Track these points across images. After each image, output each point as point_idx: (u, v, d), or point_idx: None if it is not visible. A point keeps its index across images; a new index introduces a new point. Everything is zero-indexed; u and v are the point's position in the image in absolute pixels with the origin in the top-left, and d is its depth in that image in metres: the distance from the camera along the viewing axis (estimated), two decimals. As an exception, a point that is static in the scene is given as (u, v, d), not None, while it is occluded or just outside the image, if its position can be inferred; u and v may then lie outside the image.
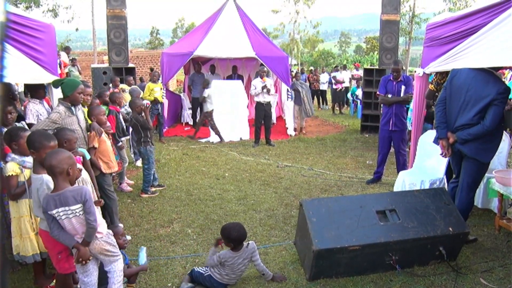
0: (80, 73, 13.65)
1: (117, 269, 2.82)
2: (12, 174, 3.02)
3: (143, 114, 5.48)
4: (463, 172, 3.78)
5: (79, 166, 3.37)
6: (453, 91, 3.74)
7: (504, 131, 4.87)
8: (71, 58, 14.44)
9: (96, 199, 3.25)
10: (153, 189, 5.71)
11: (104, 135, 4.42)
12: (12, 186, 3.02)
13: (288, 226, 4.46)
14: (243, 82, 10.76)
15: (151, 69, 16.21)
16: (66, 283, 2.92)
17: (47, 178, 2.70)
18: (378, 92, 6.09)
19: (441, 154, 3.91)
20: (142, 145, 5.50)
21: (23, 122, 4.11)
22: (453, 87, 3.74)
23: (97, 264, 2.81)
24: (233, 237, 3.22)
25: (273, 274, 3.37)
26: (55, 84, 4.14)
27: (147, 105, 5.80)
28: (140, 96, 7.62)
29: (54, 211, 2.53)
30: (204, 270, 3.33)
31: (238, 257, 3.23)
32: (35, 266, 3.29)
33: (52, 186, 2.68)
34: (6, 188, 3.02)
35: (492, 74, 3.62)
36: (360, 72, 15.17)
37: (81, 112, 4.13)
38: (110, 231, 2.85)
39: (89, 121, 4.34)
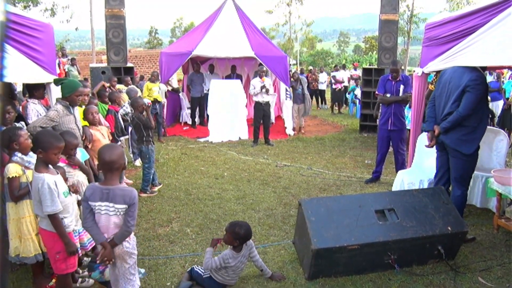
0: (79, 73, 13.66)
1: None
2: (15, 176, 3.00)
3: (144, 113, 5.48)
4: (451, 169, 3.98)
5: (71, 170, 3.38)
6: (440, 87, 4.01)
7: (503, 131, 4.91)
8: (70, 58, 14.46)
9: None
10: (156, 188, 5.70)
11: (99, 134, 4.43)
12: (15, 188, 3.01)
13: (287, 226, 4.46)
14: (242, 81, 10.75)
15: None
16: (66, 283, 2.91)
17: (48, 178, 2.70)
18: (377, 92, 6.09)
19: (426, 146, 4.15)
20: (144, 144, 5.49)
21: (22, 122, 4.11)
22: (440, 83, 4.03)
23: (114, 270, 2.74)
24: (242, 234, 3.20)
25: (272, 273, 3.37)
26: (56, 82, 4.18)
27: (149, 104, 5.81)
28: (138, 95, 7.61)
29: (96, 203, 2.51)
30: (203, 271, 3.31)
31: (240, 256, 3.23)
32: (34, 266, 3.27)
33: (53, 186, 2.68)
34: (10, 190, 3.01)
35: (471, 66, 3.83)
36: (358, 72, 15.17)
37: (78, 111, 4.15)
38: (134, 239, 2.74)
39: (83, 122, 4.37)
